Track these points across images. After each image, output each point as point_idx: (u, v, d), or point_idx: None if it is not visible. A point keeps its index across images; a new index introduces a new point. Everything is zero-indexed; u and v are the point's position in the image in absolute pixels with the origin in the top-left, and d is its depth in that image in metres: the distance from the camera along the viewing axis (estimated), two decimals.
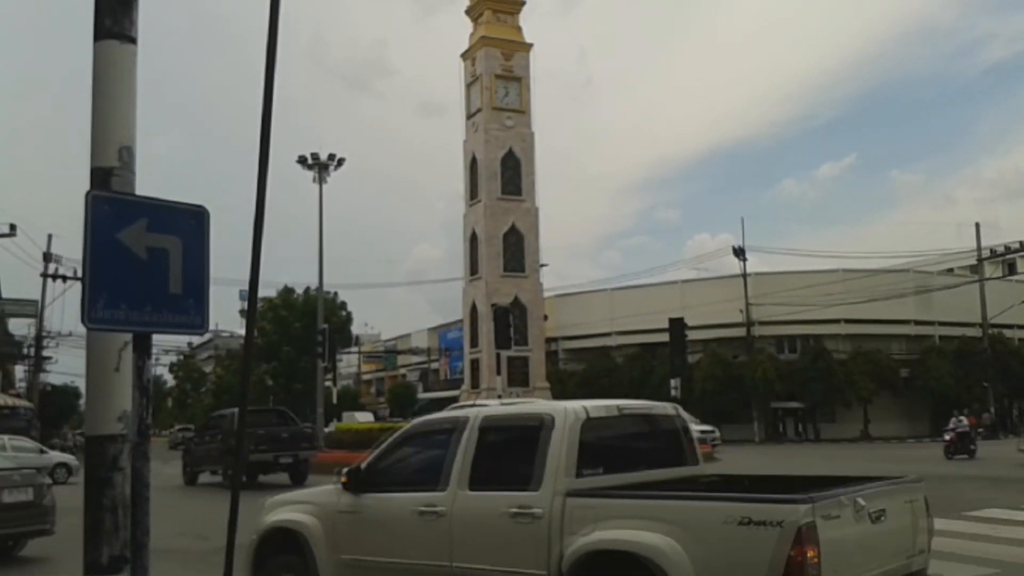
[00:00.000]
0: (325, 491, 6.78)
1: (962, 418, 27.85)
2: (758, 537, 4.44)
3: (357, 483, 6.43)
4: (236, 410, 21.62)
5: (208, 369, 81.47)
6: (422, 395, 69.01)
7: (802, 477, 6.40)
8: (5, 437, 27.83)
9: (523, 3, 36.51)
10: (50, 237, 43.09)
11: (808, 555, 4.35)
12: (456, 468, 5.83)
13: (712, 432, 31.97)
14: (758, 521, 4.45)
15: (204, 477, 24.52)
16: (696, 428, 31.03)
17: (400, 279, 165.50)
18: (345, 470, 6.55)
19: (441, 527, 5.70)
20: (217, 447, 22.68)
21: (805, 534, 4.35)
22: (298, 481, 21.41)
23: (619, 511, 5.04)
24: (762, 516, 4.47)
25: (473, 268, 35.31)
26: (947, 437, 27.17)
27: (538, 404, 6.46)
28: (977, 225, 47.16)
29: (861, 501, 4.80)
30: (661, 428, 6.51)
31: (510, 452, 5.97)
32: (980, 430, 33.15)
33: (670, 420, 6.56)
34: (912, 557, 5.32)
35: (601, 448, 5.71)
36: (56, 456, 30.19)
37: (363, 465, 6.51)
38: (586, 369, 52.02)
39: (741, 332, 47.94)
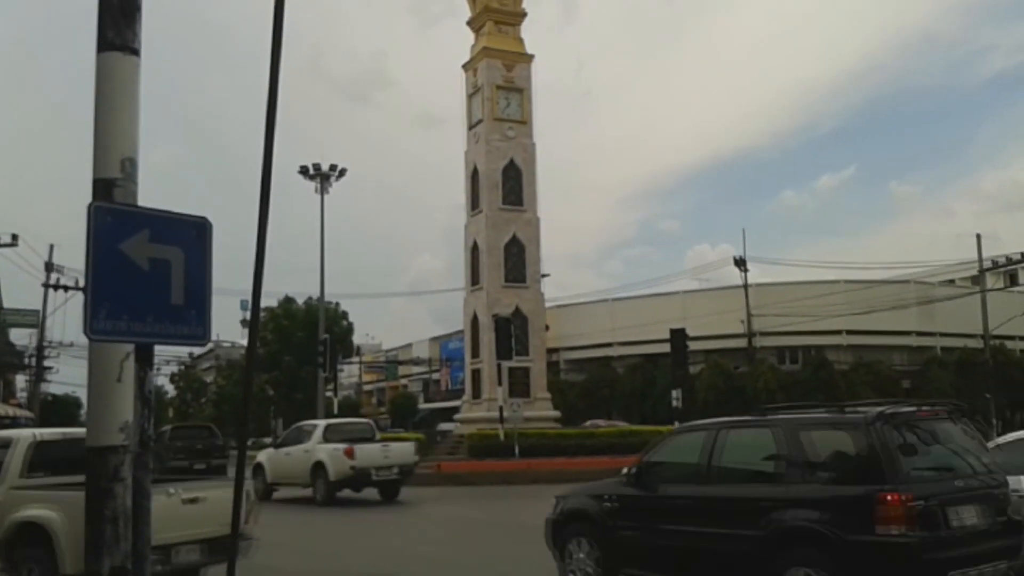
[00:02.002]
0: None
1: None
2: None
3: None
4: (169, 427, 31.39)
5: (209, 379, 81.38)
6: (423, 405, 68.96)
7: None
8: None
9: (525, 15, 36.58)
10: (52, 247, 43.15)
11: None
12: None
13: None
14: None
15: None
16: None
17: (401, 289, 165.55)
18: None
19: None
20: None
21: None
22: None
23: (36, 498, 8.16)
24: None
25: (474, 278, 35.25)
26: None
27: (12, 432, 10.43)
28: (978, 236, 47.09)
29: (172, 489, 8.10)
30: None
31: None
32: None
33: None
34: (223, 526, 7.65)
35: (51, 459, 8.97)
36: None
37: None
38: (587, 380, 52.00)
39: (742, 343, 47.90)
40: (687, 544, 8.10)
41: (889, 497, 6.68)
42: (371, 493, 20.88)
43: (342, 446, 19.85)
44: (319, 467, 19.91)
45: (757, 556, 7.29)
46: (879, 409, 7.42)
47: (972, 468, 7.49)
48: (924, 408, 7.88)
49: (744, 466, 8.19)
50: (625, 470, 9.24)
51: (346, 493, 20.52)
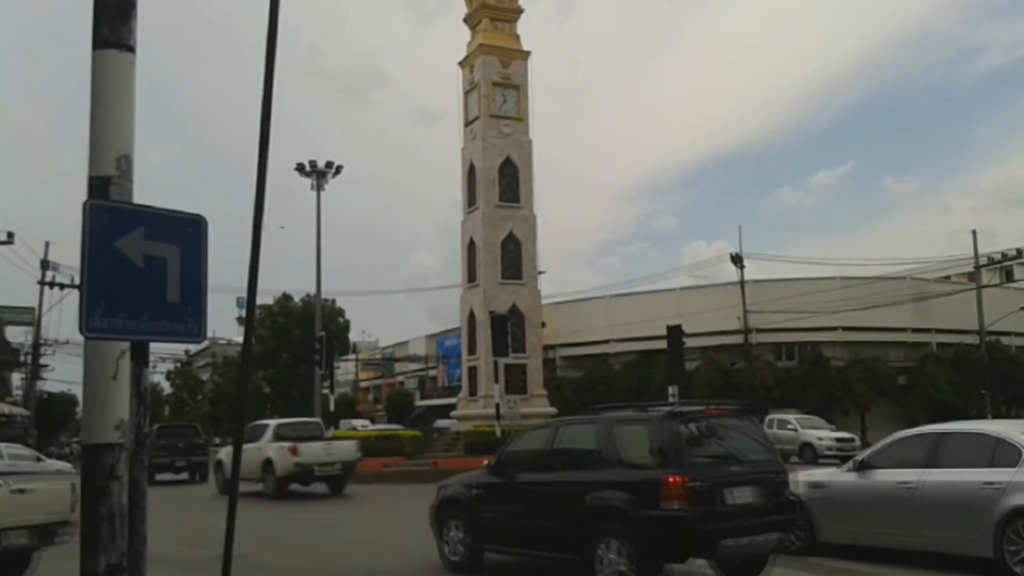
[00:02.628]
0: None
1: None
2: None
3: None
4: (156, 426, 31.55)
5: (205, 377, 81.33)
6: (420, 402, 68.93)
7: None
8: (2, 445, 27.81)
9: (521, 11, 36.57)
10: (47, 244, 43.10)
11: None
12: None
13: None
14: None
15: None
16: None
17: (398, 286, 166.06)
18: None
19: None
20: None
21: None
22: (198, 479, 28.95)
23: None
24: None
25: (471, 275, 35.26)
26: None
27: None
28: (974, 232, 47.15)
29: (1, 481, 9.05)
30: None
31: None
32: None
33: None
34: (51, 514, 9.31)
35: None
36: (53, 464, 30.05)
37: None
38: (584, 376, 52.00)
39: (739, 339, 47.93)
40: (531, 523, 9.74)
41: (671, 479, 8.21)
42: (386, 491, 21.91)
43: (288, 444, 21.45)
44: (268, 463, 21.46)
45: (579, 531, 8.84)
46: (669, 408, 9.13)
47: (751, 456, 9.04)
48: (712, 407, 9.57)
49: (573, 456, 9.78)
50: (486, 461, 11.02)
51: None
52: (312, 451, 21.61)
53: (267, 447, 21.78)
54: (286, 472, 21.19)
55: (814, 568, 9.96)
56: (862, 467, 10.55)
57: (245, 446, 21.88)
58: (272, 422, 24.33)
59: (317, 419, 28.52)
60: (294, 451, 21.08)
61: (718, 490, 8.43)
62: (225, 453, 24.21)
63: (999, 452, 9.36)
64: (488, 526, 10.28)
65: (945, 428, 10.77)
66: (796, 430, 31.81)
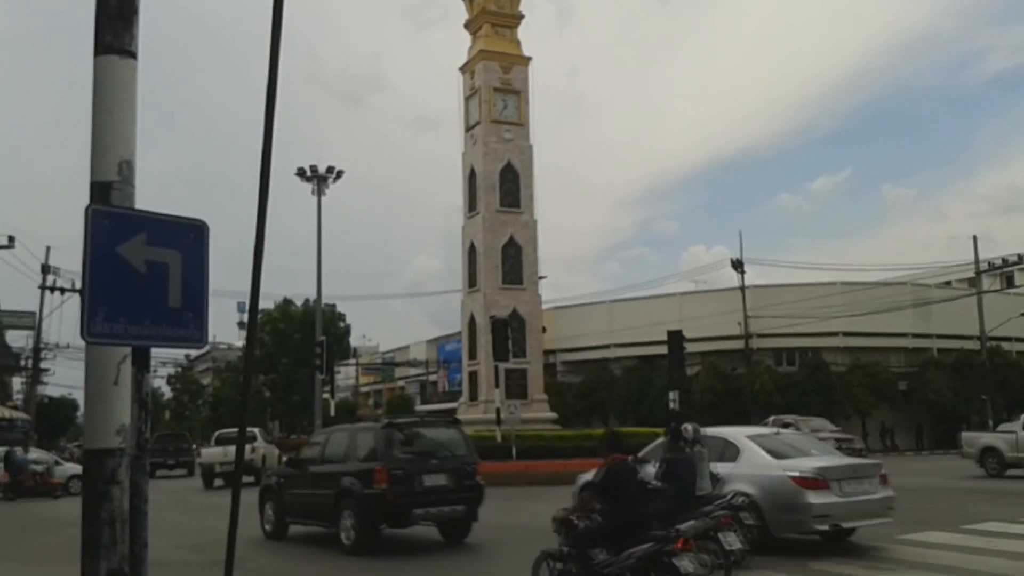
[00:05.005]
0: None
1: None
2: None
3: None
4: (155, 435, 40.91)
5: (206, 381, 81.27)
6: (420, 407, 68.86)
7: None
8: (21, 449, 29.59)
9: (522, 17, 36.61)
10: (48, 249, 43.08)
11: None
12: None
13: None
14: None
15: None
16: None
17: (399, 291, 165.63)
18: None
19: None
20: None
21: None
22: (187, 473, 38.44)
23: None
24: None
25: (472, 280, 35.25)
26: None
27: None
28: (975, 238, 47.24)
29: None
30: None
31: None
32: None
33: None
34: None
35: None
36: (71, 468, 30.26)
37: None
38: (584, 381, 52.00)
39: (739, 344, 47.92)
40: (308, 501, 13.65)
41: (377, 469, 12.26)
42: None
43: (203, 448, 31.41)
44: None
45: (332, 506, 12.71)
46: (388, 420, 13.80)
47: (450, 452, 13.19)
48: (427, 419, 16.41)
49: (335, 454, 13.61)
50: (285, 458, 16.31)
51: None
52: (211, 454, 30.20)
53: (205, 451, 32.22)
54: (206, 468, 30.30)
55: (792, 569, 9.96)
56: (641, 461, 12.10)
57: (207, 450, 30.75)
58: (218, 432, 32.95)
59: (254, 429, 33.89)
60: (198, 453, 30.57)
61: (416, 476, 12.42)
62: (206, 453, 31.59)
63: (727, 450, 11.73)
64: (287, 503, 14.21)
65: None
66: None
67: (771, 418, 32.69)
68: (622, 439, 8.44)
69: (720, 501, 9.58)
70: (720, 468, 11.01)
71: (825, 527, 10.85)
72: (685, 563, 7.08)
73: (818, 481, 10.81)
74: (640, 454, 11.06)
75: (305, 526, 14.16)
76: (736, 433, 12.32)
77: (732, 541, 8.80)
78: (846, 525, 11.21)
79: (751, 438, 12.04)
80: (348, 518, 12.32)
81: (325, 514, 12.94)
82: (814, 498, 10.71)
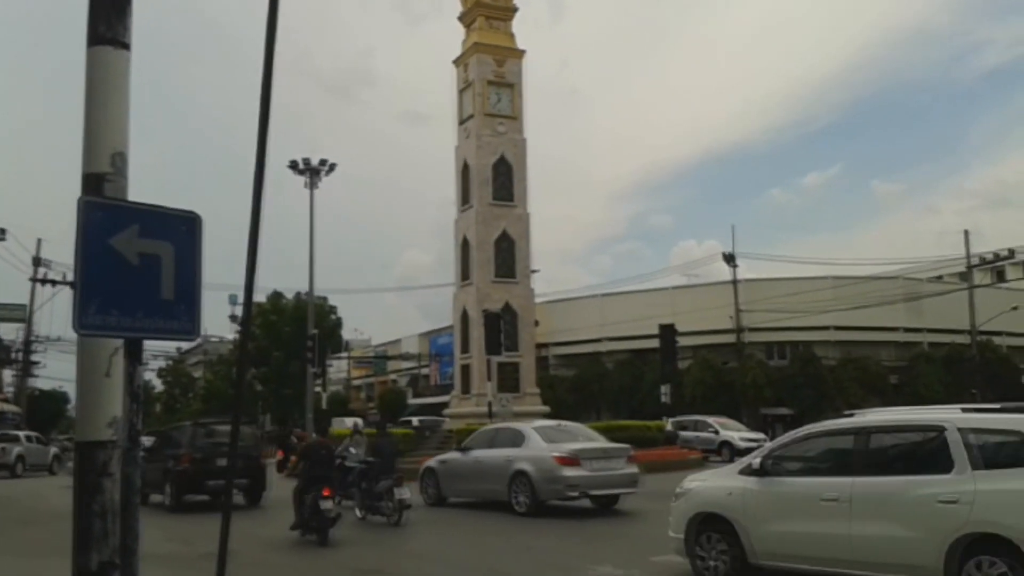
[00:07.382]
0: None
1: None
2: None
3: None
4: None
5: (197, 374, 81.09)
6: (412, 400, 68.88)
7: None
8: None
9: (516, 10, 36.49)
10: (39, 241, 42.97)
11: None
12: None
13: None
14: None
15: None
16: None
17: (391, 284, 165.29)
18: None
19: None
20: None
21: None
22: None
23: None
24: None
25: (464, 274, 35.21)
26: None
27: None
28: (966, 233, 47.44)
29: None
30: None
31: None
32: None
33: None
34: None
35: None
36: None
37: None
38: (577, 375, 52.07)
39: (731, 338, 48.03)
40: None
41: (183, 454, 17.80)
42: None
43: None
44: None
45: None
46: (201, 420, 20.57)
47: (241, 444, 14.93)
48: (222, 421, 19.35)
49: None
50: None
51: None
52: None
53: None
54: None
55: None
56: (464, 449, 17.20)
57: None
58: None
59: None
60: None
61: (209, 460, 17.49)
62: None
63: (516, 438, 15.79)
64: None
65: (498, 426, 18.32)
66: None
67: (672, 420, 34.11)
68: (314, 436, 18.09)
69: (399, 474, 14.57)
70: (511, 452, 15.44)
71: (575, 494, 14.74)
72: (327, 503, 12.45)
73: (572, 459, 14.61)
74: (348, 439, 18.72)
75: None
76: (525, 426, 16.54)
77: (404, 493, 14.08)
78: (594, 493, 14.96)
79: (535, 429, 15.98)
80: (172, 486, 17.87)
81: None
82: (568, 471, 14.54)
